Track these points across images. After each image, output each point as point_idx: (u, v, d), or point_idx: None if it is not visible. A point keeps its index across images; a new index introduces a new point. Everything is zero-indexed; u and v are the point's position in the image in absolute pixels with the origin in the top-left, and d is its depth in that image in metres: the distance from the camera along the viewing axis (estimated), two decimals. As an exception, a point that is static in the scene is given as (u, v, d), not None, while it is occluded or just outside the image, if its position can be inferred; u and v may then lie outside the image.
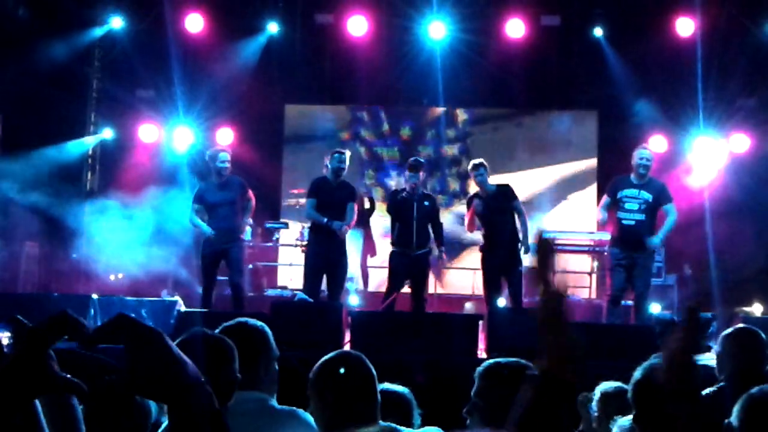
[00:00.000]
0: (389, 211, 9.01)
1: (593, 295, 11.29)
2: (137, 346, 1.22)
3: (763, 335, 3.97)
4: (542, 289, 1.65)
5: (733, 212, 10.75)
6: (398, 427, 1.98)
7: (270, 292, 10.80)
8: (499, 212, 8.62)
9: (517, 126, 13.38)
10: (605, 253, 8.58)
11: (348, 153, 8.87)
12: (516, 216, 8.73)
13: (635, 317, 8.31)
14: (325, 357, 2.84)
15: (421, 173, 8.75)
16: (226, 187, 8.66)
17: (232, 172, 8.77)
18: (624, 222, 8.26)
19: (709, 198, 10.89)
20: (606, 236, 9.39)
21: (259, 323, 3.08)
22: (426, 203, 8.73)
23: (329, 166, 8.68)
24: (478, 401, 2.70)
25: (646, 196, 8.24)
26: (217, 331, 2.89)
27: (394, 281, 8.79)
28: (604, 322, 8.46)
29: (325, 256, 8.58)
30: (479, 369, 2.77)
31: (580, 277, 11.46)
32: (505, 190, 8.75)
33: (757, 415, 2.22)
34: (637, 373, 2.66)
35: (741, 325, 4.24)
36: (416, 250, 8.62)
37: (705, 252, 10.58)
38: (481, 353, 7.19)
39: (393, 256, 8.86)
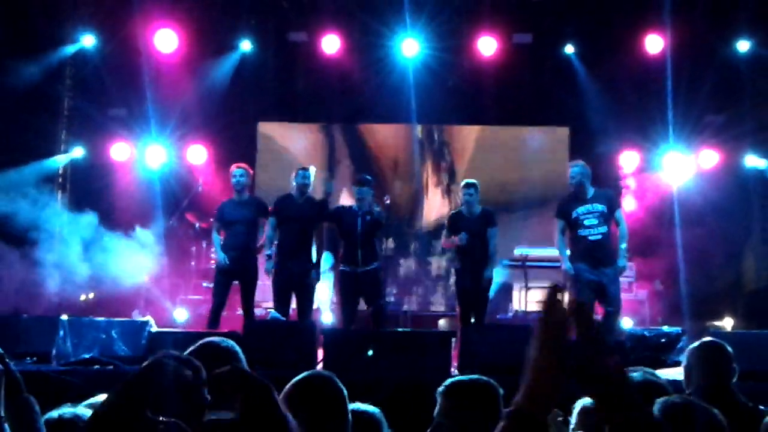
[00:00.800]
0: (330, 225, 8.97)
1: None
2: (250, 398, 1.29)
3: (730, 349, 3.99)
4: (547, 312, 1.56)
5: (703, 228, 10.85)
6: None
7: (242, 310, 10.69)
8: (478, 236, 8.65)
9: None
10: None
11: (313, 169, 8.86)
12: (489, 239, 8.73)
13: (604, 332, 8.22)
14: (297, 377, 2.82)
15: (366, 189, 8.65)
16: (244, 205, 8.72)
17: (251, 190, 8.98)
18: (591, 238, 8.14)
19: (679, 213, 10.99)
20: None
21: (229, 342, 3.03)
22: (368, 218, 8.57)
23: (294, 182, 8.67)
24: (443, 421, 2.67)
25: (600, 207, 8.18)
26: (186, 352, 2.85)
27: (344, 302, 8.67)
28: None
29: (291, 275, 8.53)
30: (440, 389, 2.73)
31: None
32: (488, 216, 8.79)
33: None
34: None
35: (707, 338, 4.24)
36: (362, 266, 8.49)
37: (675, 267, 10.67)
38: (454, 371, 7.17)
39: (340, 276, 8.80)
